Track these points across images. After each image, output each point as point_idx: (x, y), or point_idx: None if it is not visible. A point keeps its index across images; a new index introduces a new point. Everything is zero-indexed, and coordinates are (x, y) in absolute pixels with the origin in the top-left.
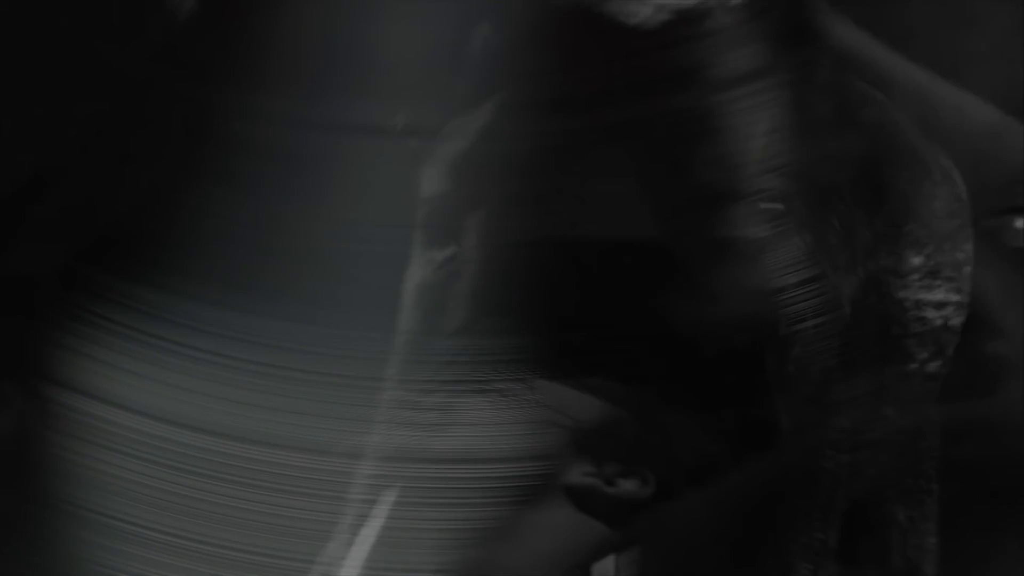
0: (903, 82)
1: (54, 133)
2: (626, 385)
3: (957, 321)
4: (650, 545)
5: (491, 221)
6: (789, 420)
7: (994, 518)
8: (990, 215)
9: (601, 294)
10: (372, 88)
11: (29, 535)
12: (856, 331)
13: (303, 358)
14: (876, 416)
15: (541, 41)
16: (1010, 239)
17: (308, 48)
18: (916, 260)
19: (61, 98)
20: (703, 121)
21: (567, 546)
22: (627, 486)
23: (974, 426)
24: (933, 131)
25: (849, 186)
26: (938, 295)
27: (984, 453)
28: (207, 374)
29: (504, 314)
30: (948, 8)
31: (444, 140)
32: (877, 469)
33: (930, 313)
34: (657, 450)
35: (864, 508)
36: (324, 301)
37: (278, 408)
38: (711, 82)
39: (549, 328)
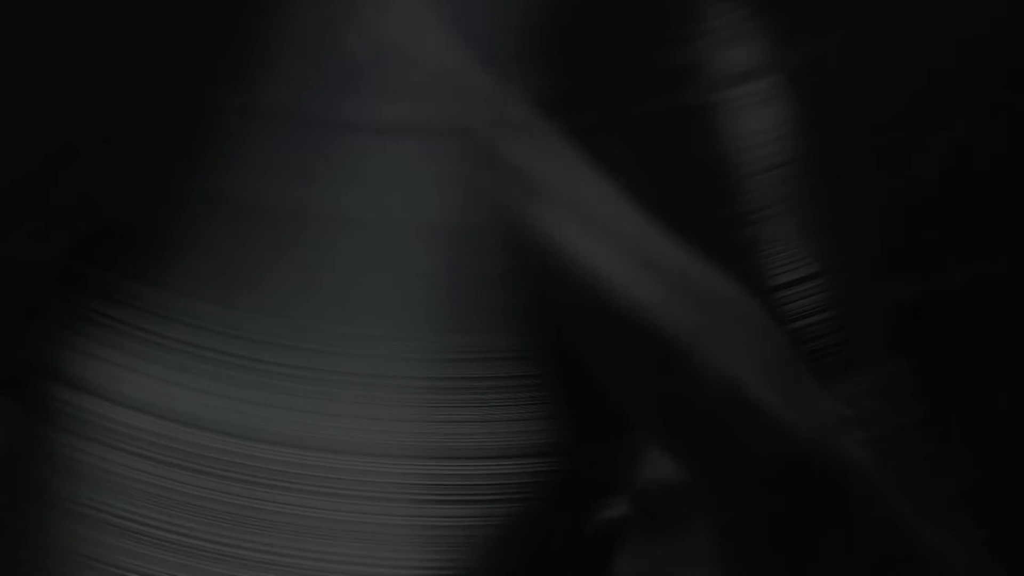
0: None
1: (55, 127)
2: None
3: None
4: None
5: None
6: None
7: None
8: None
9: None
10: (372, 85)
11: (32, 535)
12: (857, 328)
13: (310, 357)
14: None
15: (540, 39)
16: None
17: (308, 44)
18: None
19: (61, 94)
20: (702, 119)
21: None
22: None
23: None
24: None
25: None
26: None
27: None
28: (213, 373)
29: (504, 311)
30: None
31: (444, 138)
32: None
33: None
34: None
35: None
36: (328, 299)
37: (284, 406)
38: (711, 80)
39: (548, 323)
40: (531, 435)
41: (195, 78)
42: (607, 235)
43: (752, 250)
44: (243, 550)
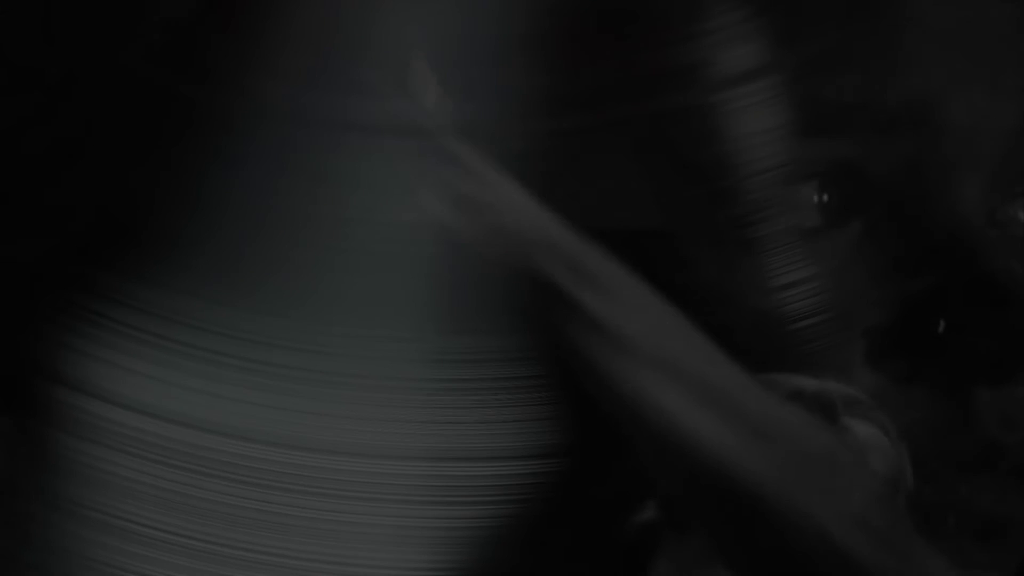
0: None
1: (52, 126)
2: None
3: None
4: None
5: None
6: None
7: None
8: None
9: None
10: (372, 85)
11: (34, 535)
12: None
13: (311, 358)
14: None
15: (542, 39)
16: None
17: (308, 44)
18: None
19: (60, 92)
20: (704, 119)
21: None
22: None
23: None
24: None
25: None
26: None
27: None
28: (212, 374)
29: (508, 312)
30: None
31: (444, 138)
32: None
33: None
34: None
35: None
36: (328, 300)
37: (284, 408)
38: (711, 80)
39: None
40: (532, 436)
41: (196, 78)
42: (691, 386)
43: (753, 250)
44: (242, 550)
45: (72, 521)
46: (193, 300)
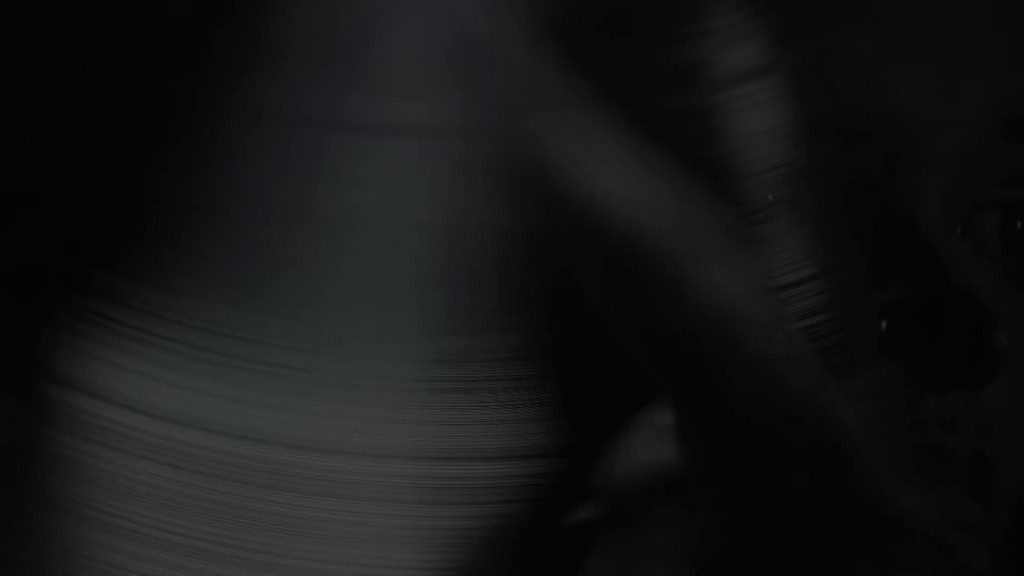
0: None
1: (52, 125)
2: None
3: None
4: None
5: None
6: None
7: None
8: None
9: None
10: (372, 85)
11: (33, 536)
12: (854, 329)
13: (309, 358)
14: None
15: (542, 39)
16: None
17: (308, 44)
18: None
19: (60, 91)
20: (704, 119)
21: None
22: None
23: (968, 418)
24: None
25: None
26: None
27: (977, 446)
28: (214, 374)
29: (505, 311)
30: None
31: (444, 139)
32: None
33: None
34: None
35: None
36: (328, 300)
37: (284, 408)
38: (711, 80)
39: (550, 323)
40: (528, 436)
41: (195, 78)
42: (612, 159)
43: (753, 251)
44: (242, 550)
45: (72, 521)
46: (193, 300)
